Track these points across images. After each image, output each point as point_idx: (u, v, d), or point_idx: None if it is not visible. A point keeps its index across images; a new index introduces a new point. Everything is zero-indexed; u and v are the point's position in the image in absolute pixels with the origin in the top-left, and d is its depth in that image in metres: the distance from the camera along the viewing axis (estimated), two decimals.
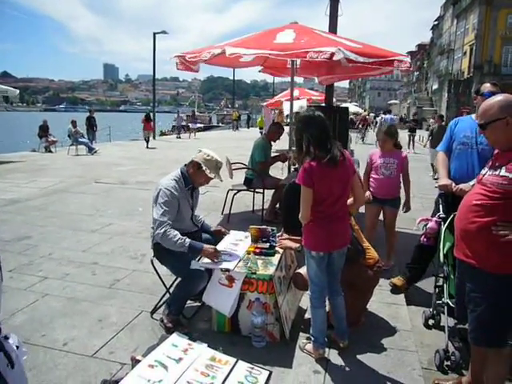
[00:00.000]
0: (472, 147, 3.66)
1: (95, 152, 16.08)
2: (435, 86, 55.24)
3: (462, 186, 3.40)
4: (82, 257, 5.10)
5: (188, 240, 3.35)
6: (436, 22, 63.59)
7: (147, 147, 19.20)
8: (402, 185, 4.92)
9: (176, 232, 3.36)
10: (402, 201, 4.90)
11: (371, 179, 4.91)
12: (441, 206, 3.63)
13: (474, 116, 3.70)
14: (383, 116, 28.60)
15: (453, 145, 3.82)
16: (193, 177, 3.62)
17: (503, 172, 2.36)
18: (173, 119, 29.92)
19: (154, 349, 2.85)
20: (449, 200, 3.62)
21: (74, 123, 16.63)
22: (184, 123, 30.29)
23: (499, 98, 2.47)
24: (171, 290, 3.62)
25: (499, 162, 2.43)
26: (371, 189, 4.88)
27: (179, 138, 26.43)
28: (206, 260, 3.42)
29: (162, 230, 3.33)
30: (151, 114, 21.87)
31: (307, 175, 2.84)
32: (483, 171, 2.56)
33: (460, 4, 46.88)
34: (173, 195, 3.46)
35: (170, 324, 3.42)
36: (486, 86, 3.72)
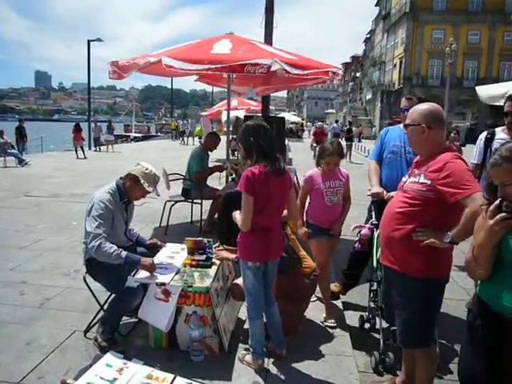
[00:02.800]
0: (401, 156, 3.84)
1: (26, 164, 15.26)
2: (369, 96, 57.73)
3: (392, 193, 3.53)
4: (9, 276, 4.78)
5: (124, 252, 3.25)
6: (368, 36, 66.70)
7: (77, 157, 18.77)
8: None
9: (111, 244, 3.25)
10: None
11: (313, 207, 3.93)
12: (373, 213, 3.76)
13: (402, 126, 3.89)
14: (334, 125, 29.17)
15: (383, 154, 3.99)
16: (129, 190, 3.52)
17: (422, 179, 2.48)
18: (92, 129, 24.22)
19: (86, 370, 2.73)
20: (381, 207, 3.76)
21: (1, 133, 15.73)
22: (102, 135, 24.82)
23: (425, 106, 2.62)
24: (105, 307, 3.48)
25: (419, 170, 2.56)
26: (313, 219, 3.92)
27: (98, 150, 23.14)
28: (141, 275, 3.33)
29: (97, 243, 3.20)
30: (81, 124, 21.13)
31: (249, 182, 2.83)
32: (404, 179, 2.69)
33: (390, 19, 49.49)
34: (107, 208, 3.34)
35: (105, 343, 3.27)
36: (402, 101, 3.94)
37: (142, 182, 3.44)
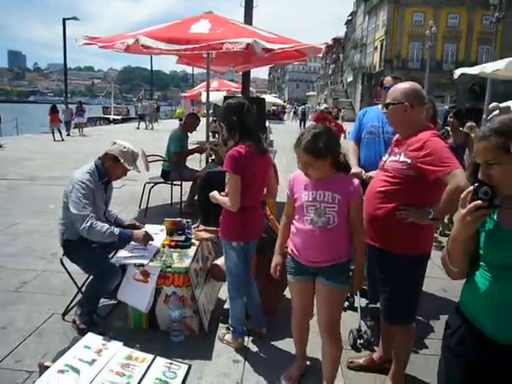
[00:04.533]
0: (379, 136, 3.85)
1: (0, 146, 14.90)
2: (350, 79, 57.76)
3: (371, 173, 3.55)
4: None
5: (117, 229, 3.23)
6: (349, 18, 66.43)
7: (54, 140, 18.33)
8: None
9: (103, 223, 3.22)
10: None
11: (292, 229, 2.60)
12: None
13: (380, 106, 3.89)
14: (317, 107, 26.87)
15: (362, 134, 4.00)
16: (109, 170, 3.46)
17: (402, 158, 2.50)
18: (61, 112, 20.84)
19: (64, 353, 2.70)
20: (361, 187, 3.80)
21: None
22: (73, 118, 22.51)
23: (406, 84, 2.63)
24: (84, 290, 3.45)
25: (398, 149, 2.58)
26: (290, 248, 2.62)
27: (68, 135, 20.89)
28: (120, 255, 3.30)
29: (89, 224, 3.16)
30: (57, 106, 20.53)
31: (235, 162, 2.80)
32: (384, 158, 2.71)
33: (371, 1, 49.30)
34: (88, 188, 3.30)
35: (83, 325, 3.25)
36: (388, 80, 3.93)
37: (121, 160, 3.38)
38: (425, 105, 2.63)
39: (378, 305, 2.88)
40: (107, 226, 3.22)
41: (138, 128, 25.88)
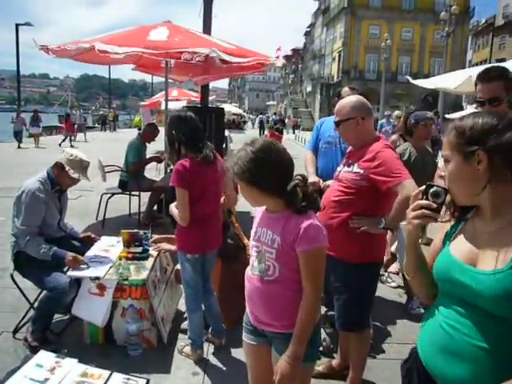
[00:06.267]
0: (336, 146, 3.92)
1: None
2: (309, 89, 58.70)
3: (328, 182, 3.62)
4: None
5: (53, 249, 3.14)
6: (308, 29, 67.71)
7: (72, 146, 16.88)
8: None
9: (40, 240, 3.14)
10: None
11: None
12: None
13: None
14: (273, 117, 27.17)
15: (319, 144, 4.07)
16: (58, 178, 3.40)
17: (355, 168, 2.57)
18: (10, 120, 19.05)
19: (15, 372, 2.59)
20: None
21: None
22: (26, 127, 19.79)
23: (353, 98, 2.69)
24: (36, 305, 3.32)
25: (352, 159, 2.65)
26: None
27: (19, 147, 18.36)
28: (75, 269, 3.21)
29: (26, 239, 3.11)
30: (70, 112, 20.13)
31: (180, 176, 2.80)
32: (339, 168, 2.77)
33: (329, 13, 50.49)
34: (38, 199, 3.20)
35: (36, 342, 3.13)
36: (346, 91, 4.03)
37: (66, 168, 3.31)
38: (372, 114, 2.72)
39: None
40: (43, 245, 3.15)
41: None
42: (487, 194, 1.30)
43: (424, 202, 1.36)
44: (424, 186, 1.38)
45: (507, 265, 1.22)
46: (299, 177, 1.82)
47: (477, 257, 1.31)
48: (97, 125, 40.75)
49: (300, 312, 1.78)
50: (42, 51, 5.83)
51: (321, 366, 3.11)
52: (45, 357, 2.71)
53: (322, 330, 3.38)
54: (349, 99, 2.69)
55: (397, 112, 12.85)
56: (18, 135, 18.76)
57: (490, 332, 1.26)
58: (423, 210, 1.35)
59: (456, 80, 6.48)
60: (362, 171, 2.52)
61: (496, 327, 1.25)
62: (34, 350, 2.98)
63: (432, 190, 1.35)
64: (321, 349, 3.34)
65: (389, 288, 4.56)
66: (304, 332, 1.79)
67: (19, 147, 18.44)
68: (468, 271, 1.30)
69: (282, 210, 1.82)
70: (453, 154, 1.33)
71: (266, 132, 23.25)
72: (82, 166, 3.40)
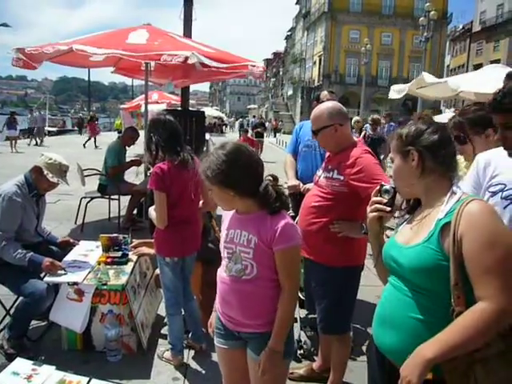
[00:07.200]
0: (315, 149, 3.94)
1: None
2: (290, 92, 59.02)
3: (308, 185, 3.64)
4: None
5: (29, 254, 3.09)
6: (289, 33, 68.10)
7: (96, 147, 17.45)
8: None
9: (17, 246, 3.09)
10: None
11: None
12: (290, 206, 3.84)
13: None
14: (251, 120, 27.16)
15: (299, 147, 4.08)
16: (36, 182, 3.35)
17: (336, 175, 2.58)
18: None
19: None
20: (298, 199, 3.86)
21: None
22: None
23: (328, 105, 2.69)
24: (12, 312, 3.26)
25: (331, 165, 2.65)
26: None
27: None
28: (53, 275, 3.16)
29: (2, 244, 3.05)
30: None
31: (159, 179, 2.79)
32: (318, 173, 2.78)
33: (309, 18, 50.87)
34: (14, 203, 3.15)
35: (12, 350, 3.07)
36: (325, 95, 4.05)
37: (45, 172, 3.27)
38: (349, 119, 2.75)
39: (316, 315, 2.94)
40: (20, 250, 3.10)
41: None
42: (421, 186, 1.54)
43: (377, 198, 1.61)
44: (378, 186, 1.64)
45: (424, 239, 1.45)
46: (269, 177, 1.89)
47: (410, 237, 1.53)
48: (76, 128, 40.00)
49: (279, 308, 1.84)
50: (17, 67, 5.72)
51: (302, 368, 3.12)
52: (21, 364, 2.66)
53: (302, 333, 3.42)
54: (325, 106, 2.68)
55: (356, 118, 12.99)
56: None
57: (419, 304, 1.44)
58: (376, 205, 1.61)
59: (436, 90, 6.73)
60: (342, 177, 2.54)
61: (423, 299, 1.44)
62: (11, 358, 2.92)
63: (383, 188, 1.61)
64: (301, 352, 3.36)
65: (368, 290, 4.61)
66: (284, 328, 1.85)
67: None
68: (398, 247, 1.55)
69: (255, 211, 1.85)
70: (395, 155, 1.59)
71: (240, 136, 23.09)
72: (60, 170, 3.36)
